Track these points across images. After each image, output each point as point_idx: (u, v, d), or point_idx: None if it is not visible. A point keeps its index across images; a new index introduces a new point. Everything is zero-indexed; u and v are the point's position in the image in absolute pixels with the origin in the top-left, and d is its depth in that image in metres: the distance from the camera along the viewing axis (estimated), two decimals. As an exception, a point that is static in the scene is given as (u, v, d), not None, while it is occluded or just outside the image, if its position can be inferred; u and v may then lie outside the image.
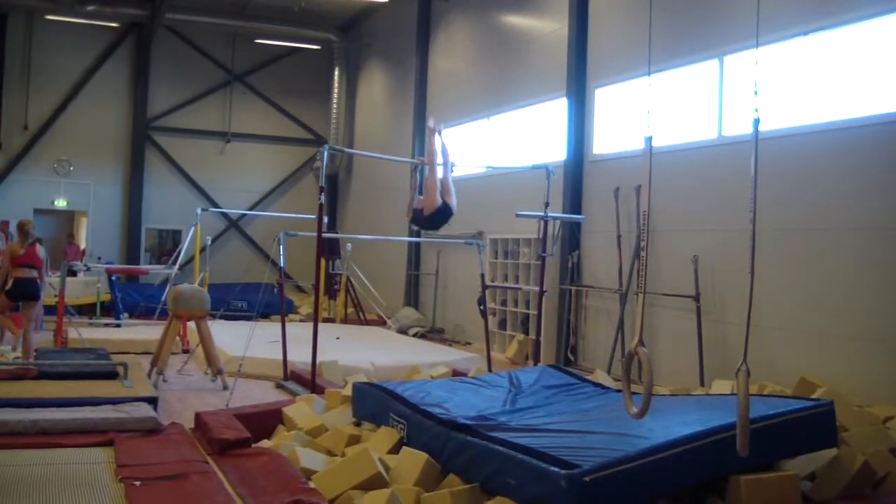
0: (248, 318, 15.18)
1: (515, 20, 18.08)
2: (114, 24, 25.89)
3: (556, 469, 5.51)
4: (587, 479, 5.39)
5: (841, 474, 6.52)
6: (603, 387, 9.28)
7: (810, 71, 10.90)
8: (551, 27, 16.43)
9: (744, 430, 5.23)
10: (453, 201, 10.22)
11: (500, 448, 6.13)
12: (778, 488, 6.19)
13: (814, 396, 8.67)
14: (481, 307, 13.42)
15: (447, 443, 6.71)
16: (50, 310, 15.65)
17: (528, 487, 5.71)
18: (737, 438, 5.27)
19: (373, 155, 18.98)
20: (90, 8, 23.65)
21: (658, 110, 13.06)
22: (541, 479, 5.60)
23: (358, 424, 8.39)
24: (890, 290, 9.53)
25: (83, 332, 14.47)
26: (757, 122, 5.60)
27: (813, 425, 6.83)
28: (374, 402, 8.14)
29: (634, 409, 5.69)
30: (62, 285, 14.30)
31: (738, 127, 11.82)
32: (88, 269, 17.83)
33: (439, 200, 10.05)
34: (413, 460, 6.62)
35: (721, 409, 7.08)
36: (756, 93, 5.62)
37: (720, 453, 5.98)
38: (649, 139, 6.07)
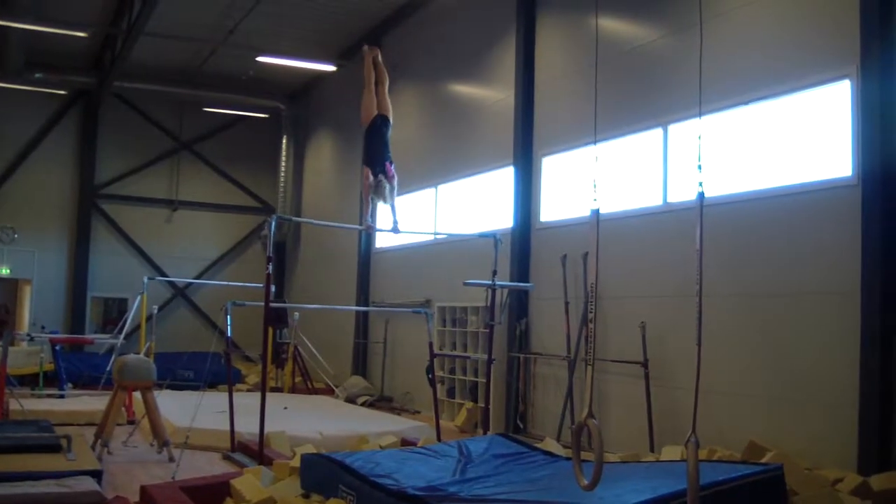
0: (195, 388, 15.02)
1: (463, 89, 18.28)
2: (61, 92, 25.79)
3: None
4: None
5: (791, 540, 6.55)
6: (553, 455, 9.28)
7: (753, 138, 11.12)
8: (498, 96, 16.63)
9: (694, 502, 5.25)
10: (389, 112, 11.17)
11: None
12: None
13: (763, 460, 8.72)
14: (430, 376, 13.39)
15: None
16: (-9, 380, 15.36)
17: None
18: (687, 509, 5.29)
19: (321, 223, 19.02)
20: (38, 75, 23.58)
21: (604, 178, 13.22)
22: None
23: (307, 496, 8.31)
24: (836, 354, 9.65)
25: (25, 404, 14.18)
26: (701, 195, 5.69)
27: (763, 490, 6.87)
28: (323, 473, 8.07)
29: (585, 481, 5.69)
30: (3, 355, 14.06)
31: (683, 193, 11.99)
32: (32, 338, 17.57)
33: (374, 111, 11.09)
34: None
35: (671, 476, 7.09)
36: (700, 168, 5.72)
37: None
38: (596, 211, 6.14)
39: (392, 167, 11.02)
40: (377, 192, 10.91)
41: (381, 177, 10.90)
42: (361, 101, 10.91)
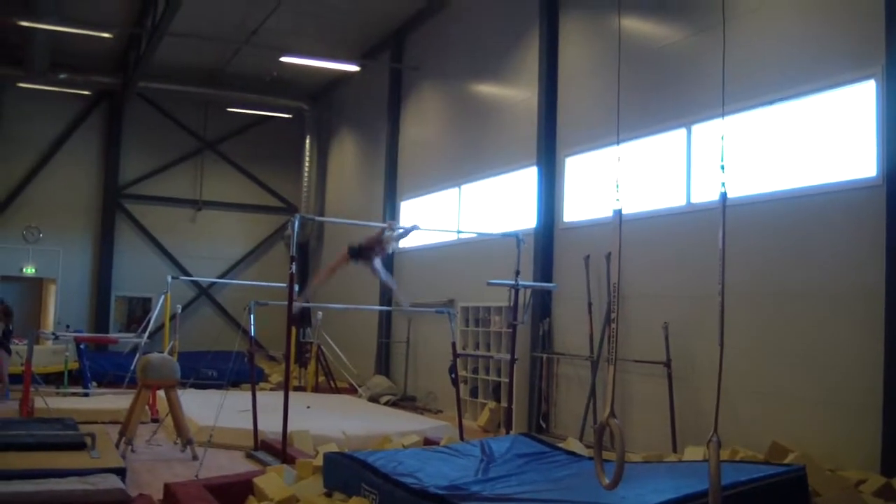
0: (219, 387, 15.07)
1: (486, 89, 18.27)
2: (86, 92, 25.93)
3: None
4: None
5: (814, 541, 6.53)
6: (575, 455, 9.27)
7: (777, 139, 11.08)
8: (521, 96, 16.62)
9: (715, 501, 5.23)
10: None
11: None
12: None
13: (786, 461, 8.69)
14: (452, 375, 13.39)
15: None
16: (16, 378, 15.47)
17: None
18: (709, 509, 5.28)
19: (344, 221, 19.10)
20: (62, 76, 23.73)
21: (628, 178, 13.20)
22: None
23: (329, 495, 8.33)
24: (859, 355, 9.60)
25: (50, 402, 14.29)
26: (724, 195, 5.67)
27: (785, 491, 6.85)
28: (346, 472, 8.09)
29: (607, 481, 5.69)
30: (29, 353, 14.16)
31: (706, 194, 11.95)
32: (57, 337, 17.68)
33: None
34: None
35: (693, 476, 7.08)
36: (723, 168, 5.70)
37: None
38: (618, 211, 6.13)
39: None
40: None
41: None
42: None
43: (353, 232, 23.74)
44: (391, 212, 21.82)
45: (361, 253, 11.53)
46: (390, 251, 11.65)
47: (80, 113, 26.65)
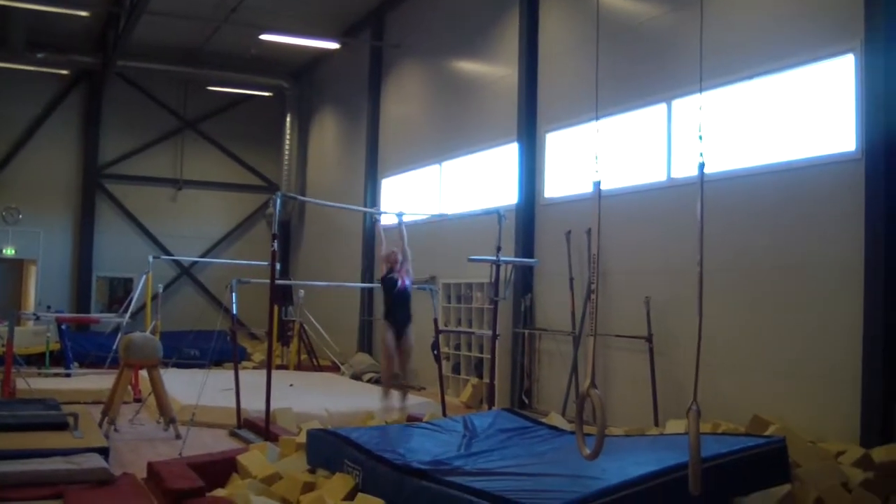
0: (201, 366, 15.05)
1: (466, 66, 18.24)
2: (64, 72, 25.74)
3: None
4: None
5: (794, 511, 6.59)
6: (557, 429, 9.33)
7: (757, 113, 11.11)
8: (501, 73, 16.60)
9: (696, 469, 5.28)
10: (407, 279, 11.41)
11: (456, 492, 6.14)
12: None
13: (766, 433, 8.77)
14: (435, 352, 13.43)
15: (402, 488, 6.72)
16: (-2, 360, 15.42)
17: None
18: (689, 477, 5.31)
19: (325, 203, 19.00)
20: (40, 56, 23.54)
21: (608, 153, 13.22)
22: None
23: (312, 472, 8.36)
24: (838, 328, 9.68)
25: (32, 383, 14.27)
26: (702, 166, 5.69)
27: (766, 462, 6.91)
28: (329, 448, 8.12)
29: (587, 451, 5.72)
30: (10, 334, 14.11)
31: (687, 169, 11.97)
32: (38, 318, 17.61)
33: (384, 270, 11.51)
34: (368, 507, 6.61)
35: (675, 448, 7.13)
36: (701, 138, 5.73)
37: (675, 492, 6.01)
38: (597, 184, 6.15)
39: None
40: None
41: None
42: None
43: (334, 210, 23.78)
44: (372, 192, 21.79)
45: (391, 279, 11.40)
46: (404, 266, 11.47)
47: (59, 93, 26.45)
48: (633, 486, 5.98)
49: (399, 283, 11.19)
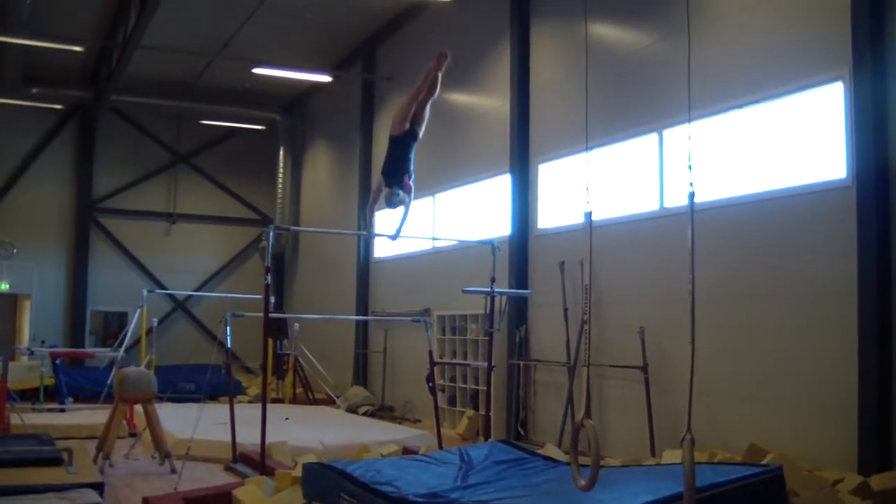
0: (196, 400, 15.02)
1: (458, 98, 18.32)
2: (58, 106, 25.80)
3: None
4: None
5: (793, 540, 6.58)
6: (553, 460, 9.31)
7: (748, 142, 11.17)
8: (494, 104, 16.68)
9: (690, 500, 5.27)
10: (421, 129, 10.14)
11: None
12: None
13: (763, 462, 8.76)
14: (430, 384, 13.40)
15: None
16: (-8, 395, 15.36)
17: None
18: (685, 506, 5.31)
19: (318, 230, 19.08)
20: (34, 90, 23.59)
21: (601, 184, 13.29)
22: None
23: (308, 505, 8.34)
24: (833, 355, 9.70)
25: (26, 418, 14.21)
26: (692, 195, 5.73)
27: (763, 491, 6.91)
28: (325, 482, 8.10)
29: (583, 482, 5.72)
30: (4, 370, 14.07)
31: (679, 198, 12.01)
32: (32, 352, 17.57)
33: (406, 126, 9.98)
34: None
35: (670, 478, 7.12)
36: (690, 168, 5.77)
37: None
38: (588, 214, 6.18)
39: (411, 180, 10.43)
40: (390, 199, 10.29)
41: (396, 188, 10.22)
42: (401, 106, 10.12)
43: (329, 242, 23.86)
44: (363, 220, 21.79)
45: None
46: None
47: (53, 127, 26.48)
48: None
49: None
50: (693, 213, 5.66)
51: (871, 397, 9.15)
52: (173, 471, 11.30)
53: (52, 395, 18.18)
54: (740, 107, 11.17)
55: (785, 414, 10.22)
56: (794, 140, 10.62)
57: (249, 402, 19.89)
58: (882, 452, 9.05)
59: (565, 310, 13.81)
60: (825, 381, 9.81)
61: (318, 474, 8.32)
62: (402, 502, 6.87)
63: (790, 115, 10.64)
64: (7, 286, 25.74)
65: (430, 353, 13.22)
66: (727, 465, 7.96)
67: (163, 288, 25.88)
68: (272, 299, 11.94)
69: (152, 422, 11.88)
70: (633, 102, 13.03)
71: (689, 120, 9.75)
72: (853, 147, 9.61)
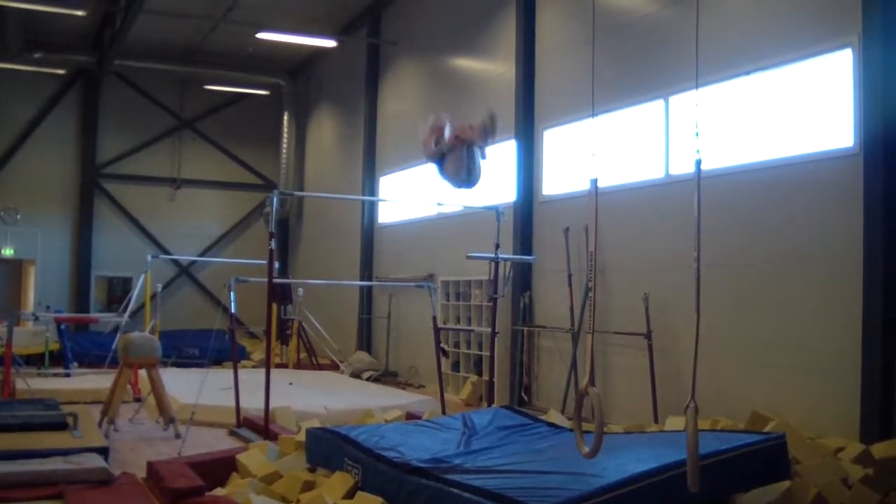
0: (200, 365, 15.04)
1: (463, 63, 18.22)
2: (61, 71, 25.71)
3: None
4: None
5: (795, 507, 6.58)
6: (557, 426, 9.31)
7: (756, 109, 11.09)
8: (499, 69, 16.58)
9: (694, 467, 5.26)
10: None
11: (455, 490, 6.14)
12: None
13: (766, 430, 8.76)
14: (442, 351, 13.35)
15: (402, 486, 6.72)
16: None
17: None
18: (687, 475, 5.31)
19: (322, 195, 19.03)
20: (37, 55, 23.49)
21: (606, 150, 13.23)
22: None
23: (312, 470, 8.35)
24: (838, 323, 9.67)
25: (31, 383, 14.26)
26: (699, 163, 5.69)
27: (766, 458, 6.91)
28: (328, 447, 8.11)
29: (586, 449, 5.71)
30: (9, 335, 14.10)
31: (685, 165, 11.97)
32: (37, 318, 17.60)
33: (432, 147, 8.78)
34: (368, 506, 6.61)
35: (674, 445, 7.12)
36: (697, 134, 5.73)
37: (674, 489, 6.00)
38: (594, 181, 6.15)
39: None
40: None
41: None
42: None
43: (334, 207, 23.83)
44: (369, 186, 21.78)
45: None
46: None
47: (56, 93, 26.43)
48: (633, 483, 5.98)
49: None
50: (699, 181, 5.63)
51: (875, 366, 9.13)
52: (177, 435, 11.36)
53: (57, 360, 18.26)
54: (748, 73, 11.08)
55: (788, 382, 10.22)
56: (801, 108, 10.54)
57: (253, 367, 19.95)
58: (884, 420, 9.05)
59: (569, 276, 13.80)
60: (829, 348, 9.80)
61: (321, 439, 8.33)
62: (406, 467, 6.88)
63: (798, 82, 10.56)
64: (12, 252, 25.79)
65: (434, 318, 13.22)
66: (730, 433, 7.96)
67: (167, 253, 25.92)
68: (276, 264, 11.94)
69: (156, 387, 11.92)
70: (640, 68, 12.94)
71: (697, 86, 9.68)
72: (861, 115, 9.53)
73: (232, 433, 11.99)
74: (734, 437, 7.31)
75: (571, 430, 8.55)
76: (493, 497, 5.82)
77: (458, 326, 17.12)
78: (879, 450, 8.28)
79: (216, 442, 11.31)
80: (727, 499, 6.85)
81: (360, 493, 6.94)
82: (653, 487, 6.04)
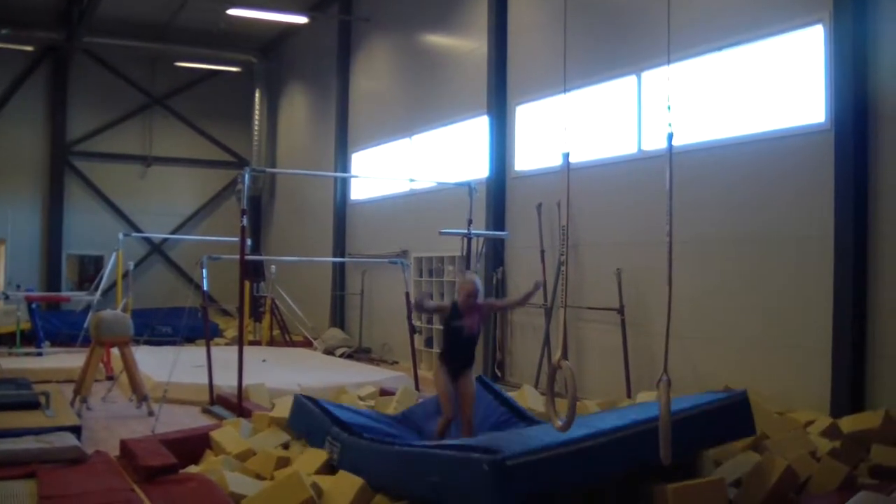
0: (173, 343, 15.01)
1: (436, 39, 18.18)
2: (29, 48, 25.42)
3: (477, 455, 5.61)
4: (509, 462, 5.50)
5: (765, 480, 6.64)
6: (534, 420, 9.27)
7: (728, 85, 11.13)
8: (471, 46, 16.55)
9: (666, 438, 5.30)
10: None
11: (422, 449, 6.26)
12: (704, 495, 6.30)
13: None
14: (414, 326, 13.35)
15: (375, 456, 6.81)
16: (-32, 340, 15.33)
17: (452, 479, 5.86)
18: (660, 446, 5.34)
19: (295, 172, 18.94)
20: (3, 32, 23.18)
21: (579, 126, 13.24)
22: (463, 468, 5.74)
23: (286, 447, 8.38)
24: (809, 298, 9.75)
25: (3, 362, 14.20)
26: (670, 137, 5.71)
27: (730, 415, 7.08)
28: (313, 421, 8.19)
29: (559, 423, 5.75)
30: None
31: (657, 141, 12.00)
32: (7, 297, 17.48)
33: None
34: (347, 484, 6.61)
35: (645, 412, 7.20)
36: (669, 108, 5.74)
37: (642, 444, 6.09)
38: (566, 155, 6.16)
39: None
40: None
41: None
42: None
43: (306, 184, 23.75)
44: (342, 163, 21.71)
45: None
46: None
47: (24, 70, 26.12)
48: (602, 436, 6.10)
49: (467, 329, 8.42)
50: (671, 155, 5.65)
51: (846, 340, 9.23)
52: (151, 413, 11.33)
53: (28, 339, 18.14)
54: (720, 49, 11.11)
55: (761, 357, 10.30)
56: (773, 83, 10.58)
57: (227, 344, 19.91)
58: (855, 394, 9.16)
59: (542, 252, 13.82)
60: (801, 323, 9.87)
61: (307, 412, 8.40)
62: (378, 440, 6.97)
63: (770, 58, 10.59)
64: (-20, 231, 25.52)
65: (407, 294, 13.23)
66: (695, 396, 8.06)
67: (139, 231, 25.77)
68: (249, 242, 11.91)
69: (129, 365, 11.88)
70: (612, 44, 12.94)
71: (669, 62, 9.69)
72: (832, 90, 9.59)
73: (205, 411, 11.98)
74: (699, 398, 7.46)
75: (540, 422, 8.61)
76: (459, 448, 6.09)
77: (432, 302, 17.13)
78: (847, 423, 8.38)
79: (190, 420, 11.29)
80: (695, 456, 6.96)
81: (341, 473, 6.96)
82: (621, 441, 6.22)
